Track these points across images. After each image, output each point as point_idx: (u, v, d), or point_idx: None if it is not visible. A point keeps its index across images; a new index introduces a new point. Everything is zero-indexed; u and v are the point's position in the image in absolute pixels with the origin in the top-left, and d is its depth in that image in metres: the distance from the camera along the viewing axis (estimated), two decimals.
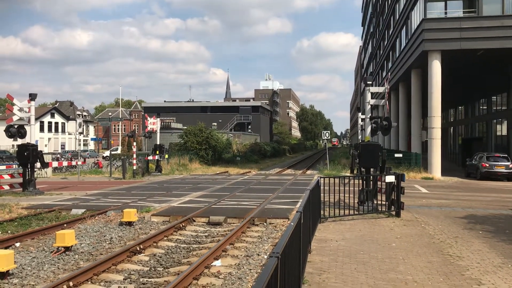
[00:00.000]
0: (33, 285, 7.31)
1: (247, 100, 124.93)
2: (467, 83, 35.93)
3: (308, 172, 35.34)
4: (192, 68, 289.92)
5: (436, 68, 26.61)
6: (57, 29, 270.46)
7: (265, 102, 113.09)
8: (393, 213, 12.89)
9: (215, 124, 71.46)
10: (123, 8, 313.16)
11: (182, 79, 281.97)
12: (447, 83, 28.73)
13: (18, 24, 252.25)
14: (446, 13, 27.27)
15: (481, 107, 37.85)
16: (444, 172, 27.81)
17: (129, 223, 11.92)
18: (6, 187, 18.54)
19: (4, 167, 21.68)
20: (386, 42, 47.51)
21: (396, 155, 29.76)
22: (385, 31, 47.95)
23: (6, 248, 9.47)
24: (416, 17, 29.53)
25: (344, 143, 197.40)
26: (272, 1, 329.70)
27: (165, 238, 10.53)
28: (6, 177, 19.60)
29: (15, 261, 7.95)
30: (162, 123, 49.73)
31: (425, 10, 27.02)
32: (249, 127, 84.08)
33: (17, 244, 9.91)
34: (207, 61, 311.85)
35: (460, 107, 45.71)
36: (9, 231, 11.33)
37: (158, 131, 31.40)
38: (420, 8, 28.05)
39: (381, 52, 52.14)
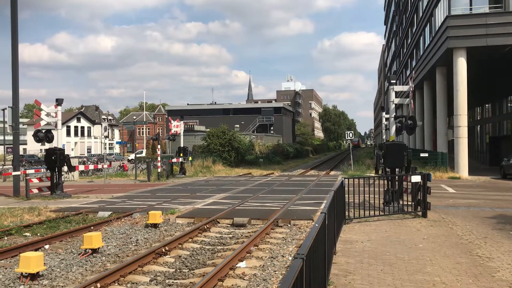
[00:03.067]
0: (62, 286, 7.44)
1: (269, 101, 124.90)
2: (494, 80, 35.10)
3: (332, 173, 35.09)
4: (214, 71, 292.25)
5: (461, 65, 26.10)
6: (81, 35, 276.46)
7: (287, 103, 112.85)
8: (420, 213, 12.70)
9: (238, 126, 71.65)
10: (145, 13, 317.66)
11: (205, 82, 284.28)
12: (473, 80, 28.11)
13: (44, 31, 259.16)
14: (471, 9, 26.69)
15: (509, 104, 36.88)
16: (472, 171, 27.23)
17: (155, 225, 12.06)
18: (35, 191, 18.98)
19: (33, 171, 22.19)
20: (409, 40, 46.81)
21: (422, 154, 29.24)
22: (409, 29, 47.26)
23: (36, 250, 9.71)
24: (440, 14, 29.02)
25: (368, 143, 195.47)
26: (293, 2, 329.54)
27: (190, 239, 10.60)
28: (35, 180, 20.08)
29: (44, 263, 8.13)
30: (186, 126, 50.20)
31: (449, 7, 26.53)
32: (272, 128, 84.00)
33: (46, 246, 10.12)
34: (229, 63, 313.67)
35: (487, 105, 44.62)
36: (38, 234, 11.59)
37: (182, 133, 31.69)
38: (444, 5, 27.55)
39: (405, 50, 51.39)
